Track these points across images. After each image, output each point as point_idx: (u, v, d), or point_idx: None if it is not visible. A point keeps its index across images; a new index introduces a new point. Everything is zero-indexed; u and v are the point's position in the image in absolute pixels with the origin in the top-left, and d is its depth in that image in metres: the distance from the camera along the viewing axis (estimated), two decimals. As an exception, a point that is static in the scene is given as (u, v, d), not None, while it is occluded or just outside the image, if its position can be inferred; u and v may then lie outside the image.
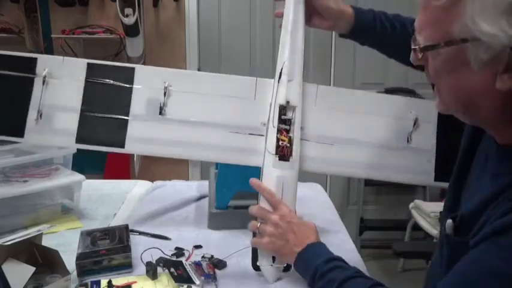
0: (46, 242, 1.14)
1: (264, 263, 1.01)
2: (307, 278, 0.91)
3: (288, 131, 1.04)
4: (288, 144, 1.04)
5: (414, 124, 1.13)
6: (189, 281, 1.05)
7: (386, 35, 1.09)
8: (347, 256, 1.14)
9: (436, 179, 1.13)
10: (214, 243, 1.25)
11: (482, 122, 0.73)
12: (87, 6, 2.74)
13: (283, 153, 1.03)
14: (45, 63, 1.12)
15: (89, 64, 1.13)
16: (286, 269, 1.02)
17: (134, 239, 1.26)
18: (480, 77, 0.65)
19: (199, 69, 2.89)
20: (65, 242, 1.23)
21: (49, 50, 2.58)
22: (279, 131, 1.05)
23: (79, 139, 1.10)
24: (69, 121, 1.11)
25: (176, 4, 2.79)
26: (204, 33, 2.89)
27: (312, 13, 1.08)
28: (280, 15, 1.08)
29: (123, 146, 1.10)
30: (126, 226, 1.27)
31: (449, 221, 0.77)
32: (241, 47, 2.89)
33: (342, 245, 1.30)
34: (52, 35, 2.59)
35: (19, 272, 0.97)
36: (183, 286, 1.03)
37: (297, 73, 1.06)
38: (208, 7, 2.87)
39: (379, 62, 2.69)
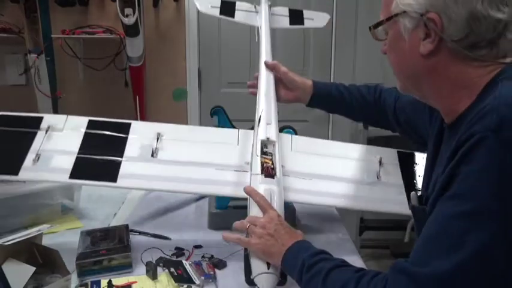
0: (46, 242, 1.14)
1: (258, 271, 0.96)
2: (294, 273, 0.90)
3: (270, 159, 1.16)
4: (272, 166, 1.14)
5: (380, 164, 1.29)
6: (189, 281, 1.05)
7: (344, 100, 1.32)
8: (347, 256, 1.14)
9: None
10: (214, 243, 1.25)
11: (429, 98, 0.86)
12: (87, 6, 2.74)
13: (268, 172, 1.12)
14: (50, 120, 1.26)
15: (90, 120, 1.28)
16: (281, 282, 0.99)
17: (134, 239, 1.26)
18: (410, 45, 0.80)
19: (199, 69, 2.89)
20: (65, 242, 1.23)
21: (49, 50, 2.57)
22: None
23: (73, 175, 1.18)
24: (65, 162, 1.19)
25: (176, 4, 2.79)
26: (204, 33, 2.88)
27: (280, 88, 1.37)
28: (254, 94, 1.38)
29: (115, 181, 1.18)
30: (126, 226, 1.27)
31: (413, 193, 0.88)
32: (241, 46, 2.88)
33: (342, 245, 1.30)
34: (52, 35, 2.58)
35: (19, 272, 0.97)
36: (183, 286, 1.03)
37: (273, 118, 1.27)
38: (208, 7, 2.87)
39: (379, 62, 2.69)
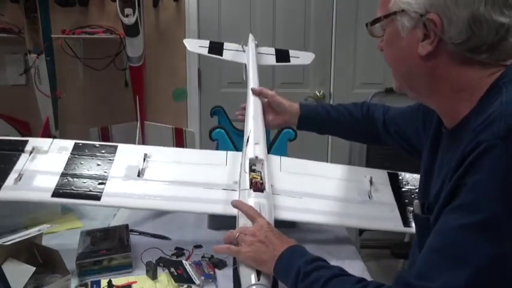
0: (46, 242, 1.14)
1: (248, 283, 0.89)
2: (289, 280, 0.85)
3: (259, 175, 1.15)
4: (261, 181, 1.13)
5: (371, 184, 1.30)
6: (189, 281, 1.05)
7: (331, 118, 1.32)
8: (347, 256, 1.14)
9: (405, 225, 1.25)
10: (214, 243, 1.24)
11: (425, 99, 0.85)
12: (87, 6, 2.74)
13: (257, 187, 1.10)
14: (35, 143, 1.27)
15: (76, 143, 1.30)
16: None
17: (134, 239, 1.26)
18: (408, 45, 0.78)
19: (199, 69, 2.89)
20: (65, 242, 1.24)
21: (49, 50, 2.57)
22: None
23: (55, 194, 1.17)
24: (48, 181, 1.19)
25: (176, 4, 2.79)
26: (204, 33, 2.88)
27: (268, 113, 1.38)
28: (242, 120, 1.39)
29: (99, 200, 1.18)
30: (126, 226, 1.28)
31: (416, 202, 0.86)
32: (241, 47, 2.89)
33: (342, 245, 1.30)
34: (52, 35, 2.58)
35: (19, 272, 0.97)
36: (183, 286, 1.03)
37: (261, 139, 1.27)
38: (208, 7, 2.86)
39: (379, 62, 2.69)
